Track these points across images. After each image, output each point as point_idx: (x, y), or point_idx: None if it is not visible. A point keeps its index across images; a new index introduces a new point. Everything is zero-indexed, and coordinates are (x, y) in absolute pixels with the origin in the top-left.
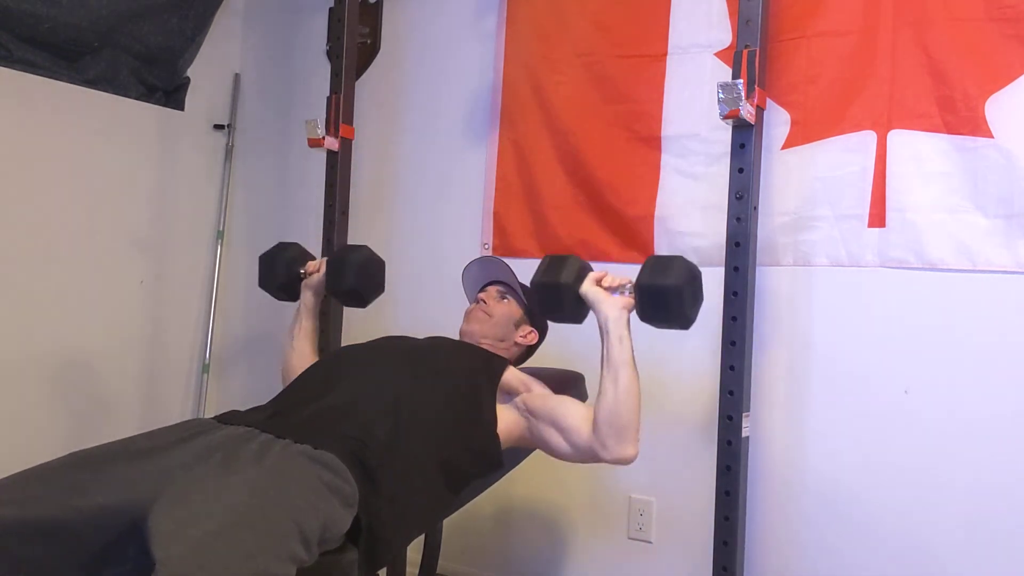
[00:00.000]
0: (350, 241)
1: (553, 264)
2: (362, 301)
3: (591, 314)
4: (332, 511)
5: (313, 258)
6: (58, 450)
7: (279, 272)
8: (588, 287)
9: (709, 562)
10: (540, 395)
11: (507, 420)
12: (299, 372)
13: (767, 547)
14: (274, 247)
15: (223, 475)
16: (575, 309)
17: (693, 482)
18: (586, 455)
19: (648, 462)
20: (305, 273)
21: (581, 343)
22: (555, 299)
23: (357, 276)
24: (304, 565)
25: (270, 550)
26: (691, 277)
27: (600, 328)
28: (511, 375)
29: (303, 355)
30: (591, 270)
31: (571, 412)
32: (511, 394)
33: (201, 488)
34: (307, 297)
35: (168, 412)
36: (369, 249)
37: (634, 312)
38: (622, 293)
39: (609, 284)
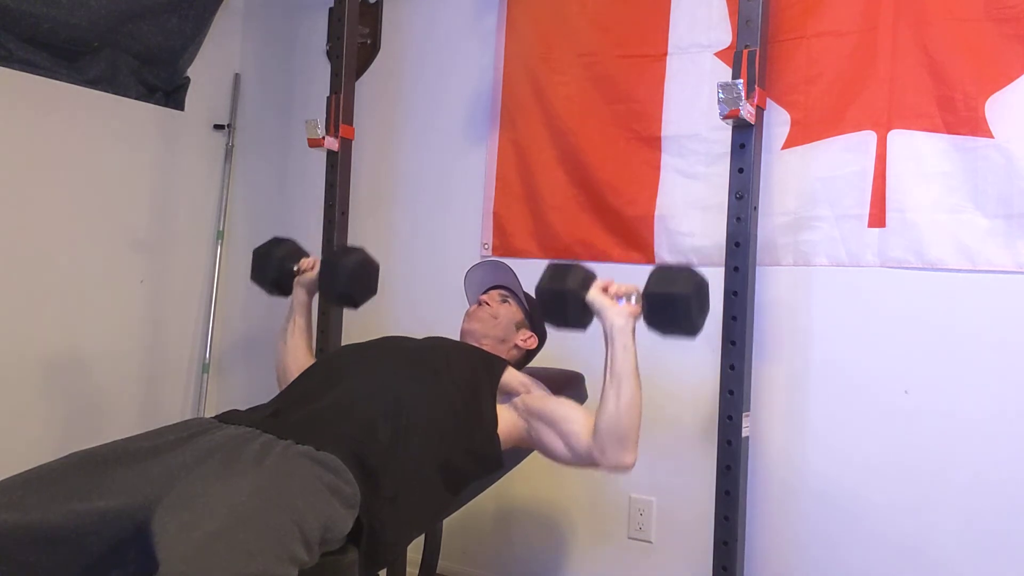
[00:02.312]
0: (350, 241)
1: (559, 271)
2: (353, 303)
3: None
4: (333, 512)
5: (307, 255)
6: (58, 450)
7: (272, 267)
8: (594, 295)
9: (709, 562)
10: (540, 397)
11: (507, 421)
12: (293, 370)
13: (767, 547)
14: (268, 241)
15: (224, 476)
16: (580, 316)
17: (693, 482)
18: (584, 461)
19: (648, 462)
20: (299, 270)
21: (581, 343)
22: (560, 306)
23: (350, 280)
24: (305, 566)
25: (271, 551)
26: (699, 287)
27: (605, 336)
28: (511, 376)
29: (297, 353)
30: (596, 277)
31: (571, 417)
32: (511, 395)
33: (203, 490)
34: (299, 294)
35: (168, 412)
36: (364, 252)
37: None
38: (628, 301)
39: (615, 292)
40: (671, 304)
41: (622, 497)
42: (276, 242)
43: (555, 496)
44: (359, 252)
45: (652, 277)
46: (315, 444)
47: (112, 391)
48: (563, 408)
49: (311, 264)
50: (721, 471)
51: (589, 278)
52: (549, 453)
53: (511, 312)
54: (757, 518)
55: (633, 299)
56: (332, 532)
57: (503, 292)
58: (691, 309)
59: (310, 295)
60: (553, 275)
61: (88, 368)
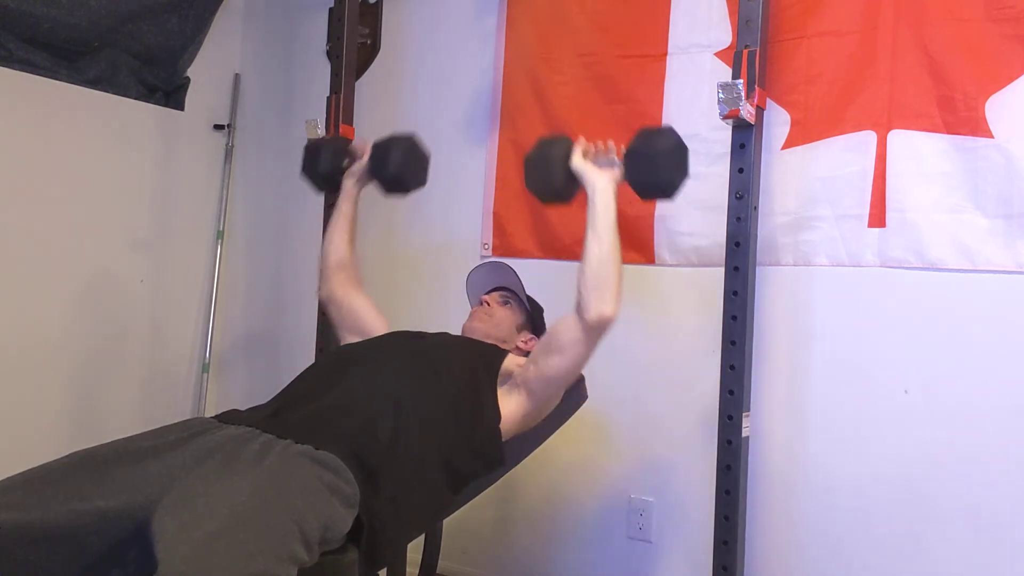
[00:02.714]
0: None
1: (545, 142)
2: (403, 188)
3: None
4: (333, 511)
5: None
6: (58, 450)
7: (323, 161)
8: (578, 160)
9: (709, 562)
10: (530, 357)
11: (511, 404)
12: (332, 257)
13: (767, 547)
14: (320, 139)
15: (224, 476)
16: (566, 185)
17: (693, 482)
18: (576, 333)
19: (648, 462)
20: (348, 163)
21: None
22: (547, 174)
23: (403, 161)
24: (305, 566)
25: (271, 551)
26: (676, 146)
27: (588, 197)
28: (510, 361)
29: (338, 246)
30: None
31: (553, 327)
32: (510, 378)
33: (203, 489)
34: (348, 184)
35: (168, 412)
36: (415, 137)
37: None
38: (611, 166)
39: (595, 154)
40: (649, 161)
41: (622, 497)
42: (326, 140)
43: (555, 496)
44: (409, 138)
45: (634, 138)
46: (315, 443)
47: (112, 391)
48: (546, 334)
49: (362, 152)
50: (721, 471)
51: (570, 147)
52: (557, 373)
53: (512, 314)
54: (757, 518)
55: (616, 164)
56: (332, 531)
57: (505, 293)
58: (670, 167)
59: (359, 186)
60: (540, 145)
61: (88, 368)
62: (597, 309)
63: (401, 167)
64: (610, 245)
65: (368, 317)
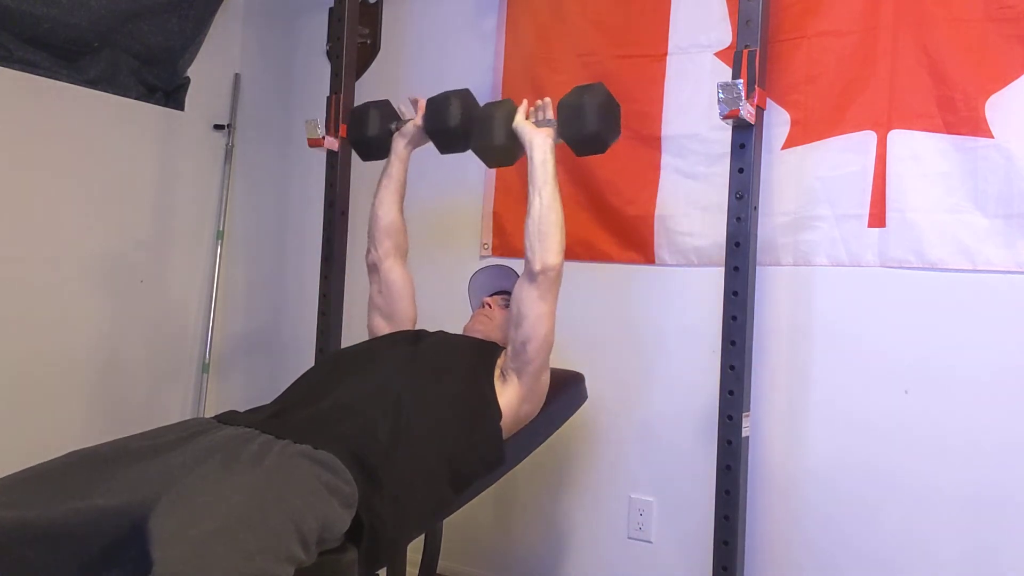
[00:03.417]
0: (350, 241)
1: (488, 106)
2: (463, 143)
3: None
4: (331, 511)
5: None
6: (58, 449)
7: (372, 124)
8: (519, 120)
9: (709, 562)
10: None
11: (507, 395)
12: (380, 216)
13: (767, 546)
14: (367, 103)
15: (223, 476)
16: (509, 147)
17: (693, 482)
18: (529, 290)
19: (648, 462)
20: (398, 125)
21: (581, 343)
22: (489, 136)
23: (462, 115)
24: (303, 565)
25: (268, 550)
26: (607, 100)
27: (527, 154)
28: (503, 357)
29: (388, 208)
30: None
31: (513, 293)
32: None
33: (202, 489)
34: (398, 144)
35: (168, 412)
36: (469, 93)
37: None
38: (548, 125)
39: (534, 115)
40: (579, 114)
41: (622, 497)
42: (372, 103)
43: (555, 496)
44: (465, 92)
45: (566, 95)
46: (314, 443)
47: (112, 391)
48: (510, 307)
49: (415, 109)
50: (721, 471)
51: (514, 109)
52: (529, 338)
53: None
54: (757, 518)
55: (552, 122)
56: (330, 531)
57: (506, 297)
58: (598, 119)
59: (410, 146)
60: (484, 109)
61: (88, 368)
62: (541, 259)
63: (461, 121)
64: (549, 197)
65: (401, 307)
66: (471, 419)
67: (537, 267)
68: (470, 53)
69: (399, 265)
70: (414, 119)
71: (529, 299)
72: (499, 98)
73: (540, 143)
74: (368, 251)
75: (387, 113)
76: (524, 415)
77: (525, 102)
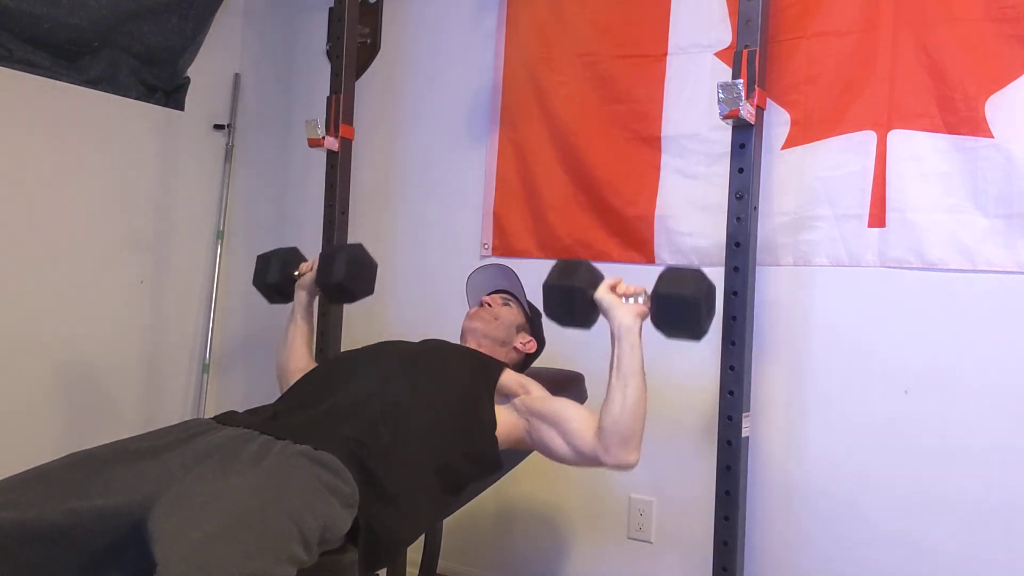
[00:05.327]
0: (349, 242)
1: (567, 268)
2: (350, 297)
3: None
4: (331, 511)
5: (306, 260)
6: (58, 450)
7: (273, 272)
8: (603, 293)
9: (709, 562)
10: (540, 398)
11: (506, 422)
12: (292, 371)
13: (767, 547)
14: (271, 250)
15: (223, 476)
16: (586, 314)
17: (693, 482)
18: (587, 460)
19: (648, 462)
20: (299, 273)
21: (581, 343)
22: (567, 303)
23: (347, 271)
24: (304, 566)
25: (270, 551)
26: (708, 290)
27: (612, 334)
28: (508, 377)
29: (298, 355)
30: (604, 277)
31: (574, 416)
32: (509, 396)
33: (201, 489)
34: (300, 296)
35: (168, 412)
36: (362, 248)
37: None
38: (636, 301)
39: (624, 291)
40: (680, 306)
41: (622, 497)
42: (278, 250)
43: (555, 496)
44: (355, 248)
45: (661, 278)
46: (314, 444)
47: (112, 391)
48: (565, 408)
49: (310, 266)
50: (721, 471)
51: (597, 276)
52: (551, 453)
53: (512, 315)
54: (757, 518)
55: (641, 299)
56: (331, 532)
57: (505, 296)
58: (699, 313)
59: (311, 296)
60: (562, 272)
61: (88, 368)
62: (618, 456)
63: (345, 276)
64: (637, 393)
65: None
66: (468, 424)
67: (611, 462)
68: (470, 53)
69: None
70: (311, 272)
71: (580, 454)
72: (499, 98)
73: (630, 326)
74: (278, 377)
75: (291, 259)
76: (517, 447)
77: (613, 277)
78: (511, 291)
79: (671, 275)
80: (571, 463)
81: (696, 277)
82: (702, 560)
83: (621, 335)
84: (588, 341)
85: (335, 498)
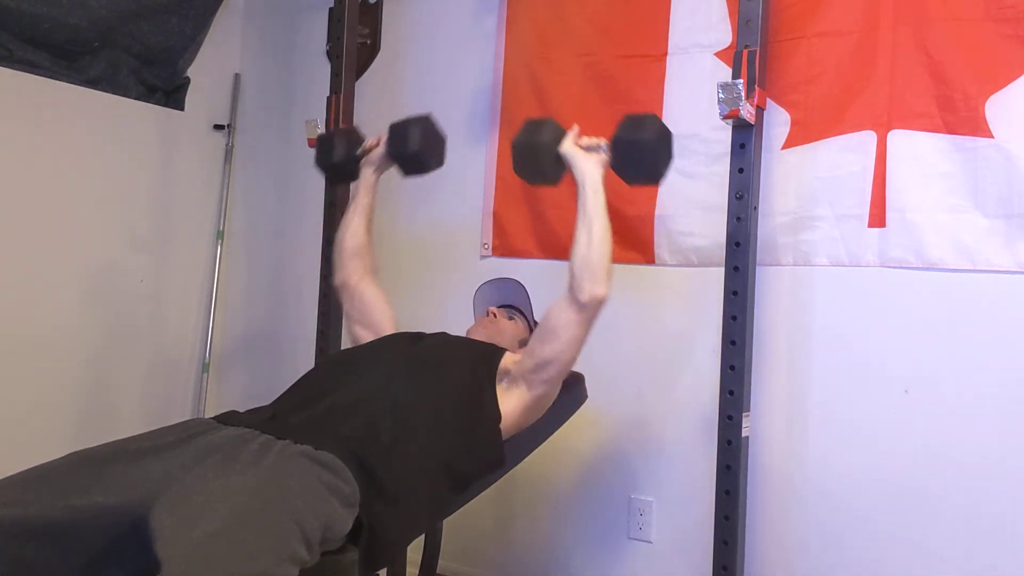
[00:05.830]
0: None
1: (534, 125)
2: (423, 166)
3: None
4: (332, 511)
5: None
6: (58, 450)
7: (338, 151)
8: (567, 147)
9: (709, 562)
10: (526, 351)
11: (511, 401)
12: (348, 250)
13: (767, 547)
14: (330, 131)
15: (223, 476)
16: (553, 169)
17: (693, 482)
18: (569, 313)
19: (648, 462)
20: (364, 151)
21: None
22: (535, 159)
23: (422, 140)
24: (306, 565)
25: (272, 550)
26: (664, 134)
27: (577, 183)
28: (508, 360)
29: (353, 230)
30: (567, 132)
31: (546, 313)
32: (510, 374)
33: (202, 488)
34: (367, 174)
35: (168, 412)
36: (432, 118)
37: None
38: (598, 151)
39: (587, 144)
40: (638, 150)
41: (622, 497)
42: (338, 130)
43: (555, 496)
44: (426, 118)
45: (621, 125)
46: (314, 444)
47: (112, 391)
48: (539, 326)
49: (376, 141)
50: (721, 471)
51: (562, 133)
52: (555, 358)
53: (516, 329)
54: (757, 518)
55: (602, 149)
56: (332, 531)
57: (511, 310)
58: (656, 155)
59: (379, 173)
60: (529, 129)
61: (88, 368)
62: (591, 290)
63: (421, 146)
64: (601, 227)
65: (378, 313)
66: (470, 420)
67: (584, 297)
68: (470, 53)
69: (370, 282)
70: (379, 147)
71: (567, 321)
72: (499, 98)
73: (592, 172)
74: (334, 274)
75: (354, 139)
76: (524, 423)
77: (576, 128)
78: (518, 306)
79: (629, 122)
80: (569, 341)
81: (653, 121)
82: (702, 560)
83: (585, 181)
84: (588, 341)
85: (336, 498)
